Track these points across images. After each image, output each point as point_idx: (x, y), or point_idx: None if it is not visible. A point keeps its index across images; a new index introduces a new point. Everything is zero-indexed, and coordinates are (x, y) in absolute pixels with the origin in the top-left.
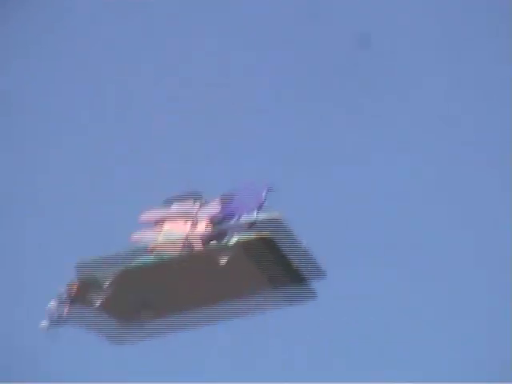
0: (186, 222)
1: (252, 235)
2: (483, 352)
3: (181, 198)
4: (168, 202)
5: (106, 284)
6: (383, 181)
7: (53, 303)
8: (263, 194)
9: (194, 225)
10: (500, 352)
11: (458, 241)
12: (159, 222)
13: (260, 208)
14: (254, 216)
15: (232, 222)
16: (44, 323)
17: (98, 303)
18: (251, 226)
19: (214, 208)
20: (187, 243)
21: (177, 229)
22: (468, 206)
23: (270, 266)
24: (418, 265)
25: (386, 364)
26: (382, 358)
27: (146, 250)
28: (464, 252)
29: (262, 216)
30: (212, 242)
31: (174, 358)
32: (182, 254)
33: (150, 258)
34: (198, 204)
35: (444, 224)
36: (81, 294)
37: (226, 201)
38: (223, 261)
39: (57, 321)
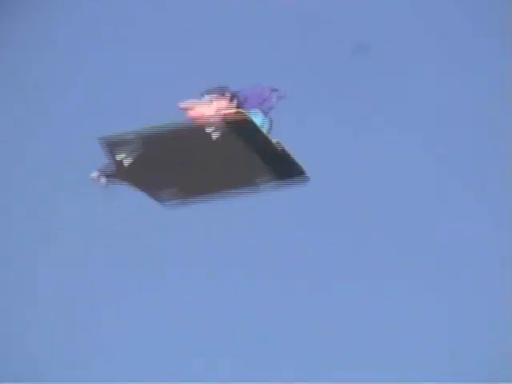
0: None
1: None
2: (483, 352)
3: (210, 92)
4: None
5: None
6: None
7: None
8: (273, 97)
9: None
10: (500, 352)
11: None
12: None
13: (268, 110)
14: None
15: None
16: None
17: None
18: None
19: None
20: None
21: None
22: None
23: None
24: (419, 263)
25: (386, 364)
26: (381, 358)
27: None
28: (465, 251)
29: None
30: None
31: None
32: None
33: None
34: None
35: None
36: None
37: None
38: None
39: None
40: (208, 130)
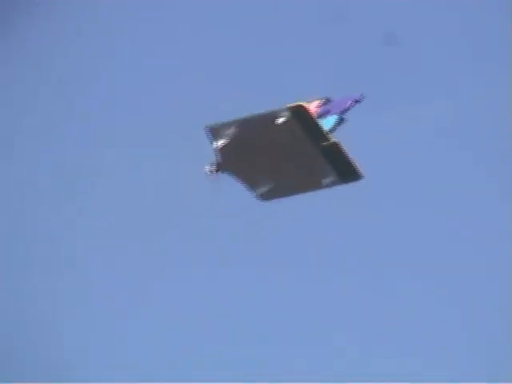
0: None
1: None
2: (483, 352)
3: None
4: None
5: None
6: None
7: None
8: (349, 103)
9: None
10: (500, 352)
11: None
12: None
13: (343, 113)
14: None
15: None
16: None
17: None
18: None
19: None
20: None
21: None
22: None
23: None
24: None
25: (387, 364)
26: (382, 358)
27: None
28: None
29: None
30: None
31: None
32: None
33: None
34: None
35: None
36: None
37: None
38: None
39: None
40: (281, 118)
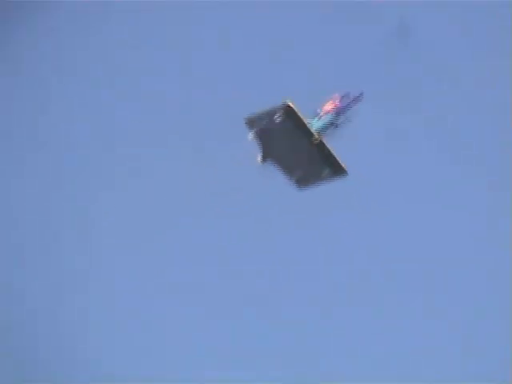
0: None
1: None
2: (483, 352)
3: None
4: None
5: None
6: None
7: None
8: (346, 102)
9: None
10: (500, 352)
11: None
12: None
13: (340, 112)
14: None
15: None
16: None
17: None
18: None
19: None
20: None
21: None
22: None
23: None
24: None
25: (388, 364)
26: (383, 359)
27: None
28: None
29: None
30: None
31: None
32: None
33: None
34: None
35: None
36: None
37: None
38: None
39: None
40: (279, 116)
